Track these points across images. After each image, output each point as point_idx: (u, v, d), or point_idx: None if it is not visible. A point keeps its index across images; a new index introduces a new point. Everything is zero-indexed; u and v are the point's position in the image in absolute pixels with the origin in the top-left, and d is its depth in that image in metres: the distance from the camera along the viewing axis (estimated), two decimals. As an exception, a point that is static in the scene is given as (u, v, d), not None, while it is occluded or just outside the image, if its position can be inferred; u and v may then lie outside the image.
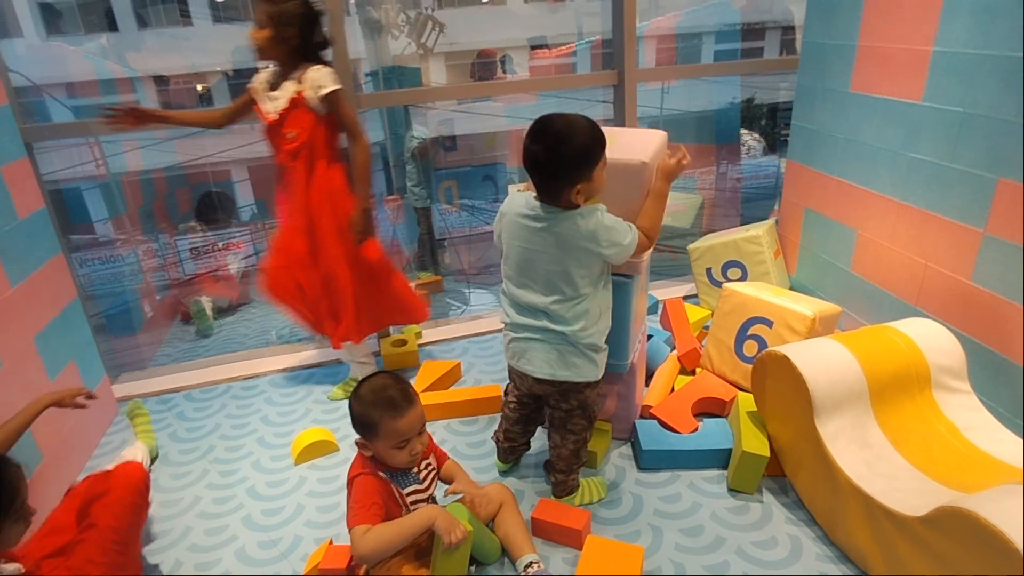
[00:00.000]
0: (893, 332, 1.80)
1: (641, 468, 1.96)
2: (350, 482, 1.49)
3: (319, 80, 2.01)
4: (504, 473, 1.97)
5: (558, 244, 1.51)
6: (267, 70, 2.11)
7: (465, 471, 1.73)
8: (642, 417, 2.10)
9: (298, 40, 2.01)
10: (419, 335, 2.82)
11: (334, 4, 2.27)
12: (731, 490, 1.86)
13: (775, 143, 6.27)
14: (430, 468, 1.61)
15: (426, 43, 5.17)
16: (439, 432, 2.22)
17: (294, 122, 2.05)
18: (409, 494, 1.52)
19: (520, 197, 1.57)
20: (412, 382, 2.43)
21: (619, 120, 2.73)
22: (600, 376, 1.67)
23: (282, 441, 2.23)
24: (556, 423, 1.74)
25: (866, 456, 1.62)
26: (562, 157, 1.43)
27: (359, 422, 1.46)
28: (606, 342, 1.66)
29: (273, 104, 2.06)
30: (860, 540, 1.55)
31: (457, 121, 4.26)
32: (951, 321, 1.96)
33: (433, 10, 5.44)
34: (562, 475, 1.79)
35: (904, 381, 1.73)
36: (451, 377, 2.49)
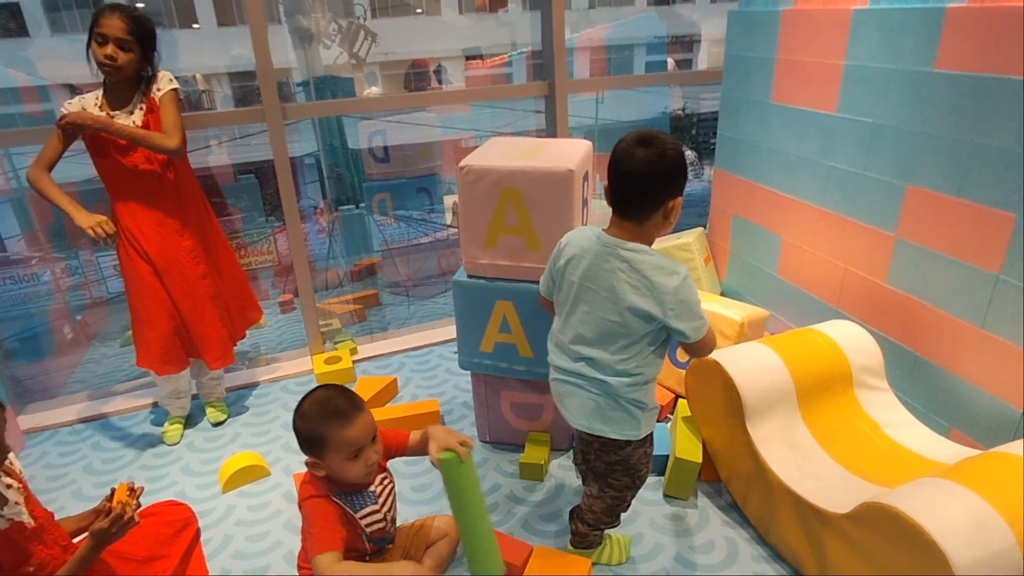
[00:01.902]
0: (817, 335, 1.88)
1: (581, 478, 1.96)
2: (301, 505, 1.40)
3: (163, 81, 2.02)
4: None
5: (622, 287, 1.33)
6: (90, 96, 1.98)
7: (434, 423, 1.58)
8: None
9: (151, 56, 2.01)
10: (354, 351, 2.75)
11: (255, 11, 2.20)
12: (667, 496, 1.88)
13: (704, 152, 6.49)
14: (386, 482, 1.51)
15: (358, 53, 5.10)
16: (376, 451, 2.16)
17: (154, 127, 1.99)
18: (363, 517, 1.42)
19: (587, 230, 1.42)
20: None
21: (551, 130, 2.75)
22: (644, 436, 1.46)
23: (209, 468, 2.12)
24: (596, 472, 1.55)
25: (795, 457, 1.67)
26: (672, 168, 1.28)
27: (306, 439, 1.37)
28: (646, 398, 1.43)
29: (124, 122, 1.96)
30: (792, 539, 1.60)
31: (390, 132, 4.20)
32: (869, 322, 2.05)
33: (365, 19, 5.37)
34: (586, 527, 1.61)
35: (828, 382, 1.79)
36: (387, 393, 2.43)
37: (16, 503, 1.31)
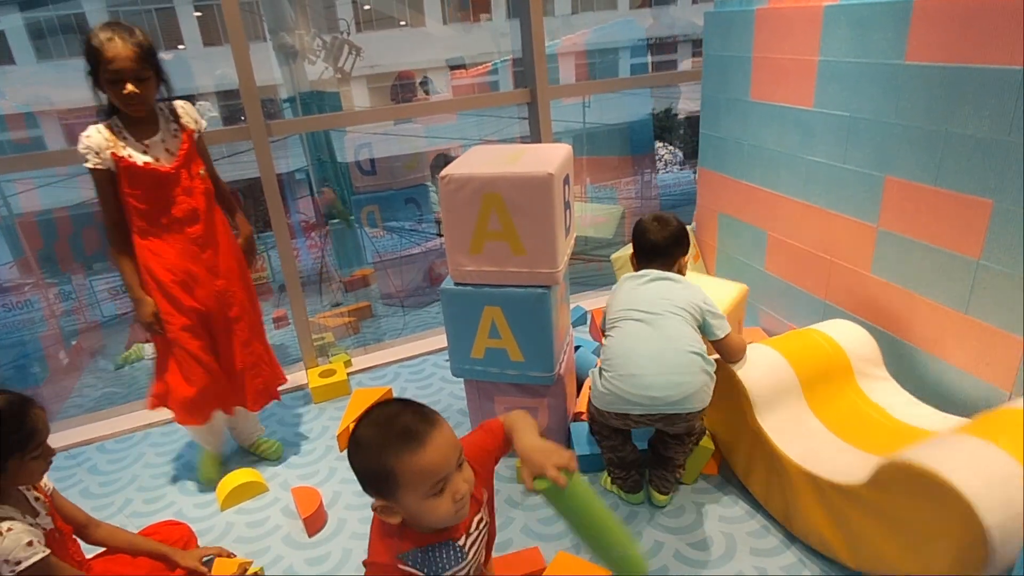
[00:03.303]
0: (814, 333, 1.92)
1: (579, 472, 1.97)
2: (367, 568, 1.11)
3: (193, 112, 1.91)
4: (641, 504, 1.86)
5: (678, 288, 1.77)
6: (102, 129, 1.76)
7: (527, 423, 1.19)
8: (574, 421, 2.12)
9: (163, 74, 1.81)
10: (348, 363, 2.75)
11: (235, 31, 2.21)
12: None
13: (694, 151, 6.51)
14: (482, 526, 1.15)
15: (343, 67, 5.13)
16: (373, 462, 2.16)
17: (193, 156, 1.88)
18: None
19: (626, 275, 1.87)
20: (342, 413, 2.39)
21: (535, 136, 2.77)
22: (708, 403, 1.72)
23: (206, 487, 2.12)
24: (673, 441, 1.79)
25: (808, 443, 1.68)
26: (680, 235, 1.84)
27: (368, 477, 1.03)
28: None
29: (158, 151, 1.81)
30: (818, 524, 1.59)
31: (376, 144, 4.22)
32: (856, 312, 2.07)
33: (349, 34, 5.40)
34: (682, 469, 1.83)
35: (829, 372, 1.82)
36: (383, 404, 2.44)
37: (48, 514, 1.39)
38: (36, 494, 1.39)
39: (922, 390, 1.87)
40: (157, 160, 1.81)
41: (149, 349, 3.85)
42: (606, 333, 1.81)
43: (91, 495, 2.14)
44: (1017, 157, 1.52)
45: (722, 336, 1.74)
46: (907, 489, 1.31)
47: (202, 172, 1.90)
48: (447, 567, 1.07)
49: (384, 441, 0.99)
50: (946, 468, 1.23)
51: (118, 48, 1.65)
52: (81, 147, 1.75)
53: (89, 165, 1.75)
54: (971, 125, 1.62)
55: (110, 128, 1.77)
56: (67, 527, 1.45)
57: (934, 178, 1.74)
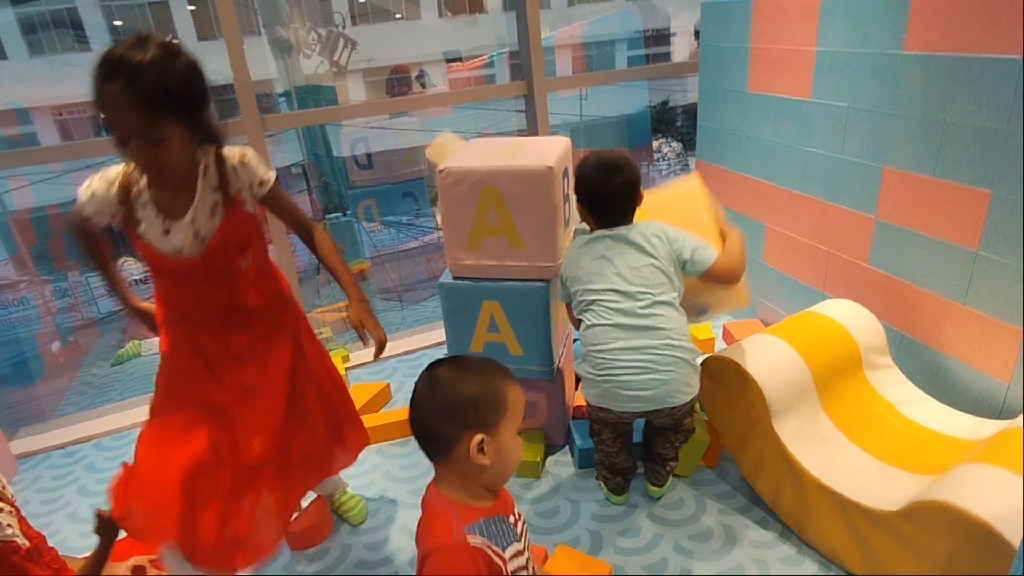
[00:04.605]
0: (820, 318, 1.85)
1: (579, 467, 1.98)
2: (434, 554, 0.98)
3: (254, 168, 1.35)
4: (620, 505, 1.84)
5: (642, 255, 1.60)
6: (112, 178, 1.27)
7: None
8: (575, 418, 2.12)
9: (204, 117, 1.25)
10: (346, 359, 2.75)
11: (229, 24, 2.20)
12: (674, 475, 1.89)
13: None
14: (521, 518, 1.14)
15: (339, 61, 5.11)
16: (372, 457, 2.16)
17: (237, 240, 1.34)
18: (512, 557, 1.02)
19: (581, 236, 1.69)
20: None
21: (532, 129, 2.76)
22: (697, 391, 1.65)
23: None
24: (667, 431, 1.72)
25: (825, 451, 1.62)
26: (637, 177, 1.64)
27: (481, 405, 1.00)
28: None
29: (183, 236, 1.28)
30: (834, 538, 1.55)
31: (373, 138, 4.20)
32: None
33: (344, 27, 5.38)
34: (674, 463, 1.79)
35: (841, 367, 1.76)
36: (381, 399, 2.43)
37: (9, 525, 1.32)
38: (1, 504, 1.32)
39: (921, 381, 1.87)
40: (179, 252, 1.29)
41: (146, 345, 3.84)
42: (581, 311, 1.65)
43: (89, 493, 2.13)
44: (1016, 147, 1.52)
45: (711, 264, 1.59)
46: (949, 530, 1.25)
47: (244, 264, 1.37)
48: (507, 541, 1.02)
49: (493, 370, 1.05)
50: (994, 517, 1.17)
51: (116, 98, 1.11)
52: (82, 194, 1.28)
53: (84, 214, 1.30)
54: (969, 115, 1.61)
55: (126, 185, 1.26)
56: (39, 535, 1.38)
57: (932, 168, 1.73)
